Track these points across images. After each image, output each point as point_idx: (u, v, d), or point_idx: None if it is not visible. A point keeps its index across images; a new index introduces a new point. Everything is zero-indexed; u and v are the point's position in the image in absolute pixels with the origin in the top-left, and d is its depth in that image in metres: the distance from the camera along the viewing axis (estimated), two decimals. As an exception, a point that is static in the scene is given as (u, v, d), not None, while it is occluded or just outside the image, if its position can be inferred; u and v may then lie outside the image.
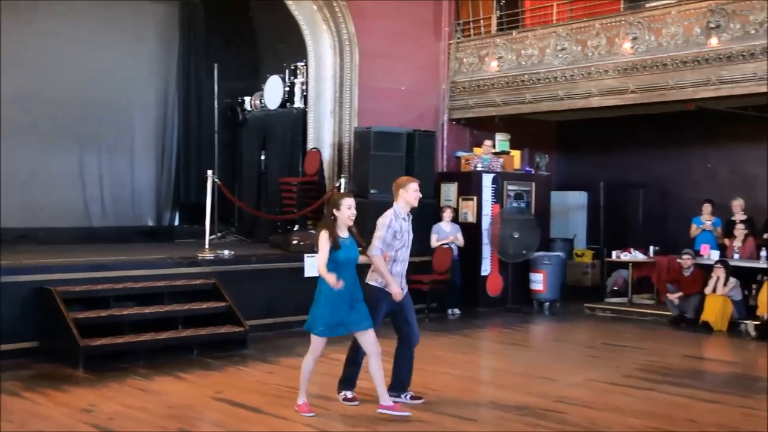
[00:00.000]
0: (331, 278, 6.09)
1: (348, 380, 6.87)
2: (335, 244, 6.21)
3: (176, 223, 14.47)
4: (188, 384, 7.73)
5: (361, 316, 6.29)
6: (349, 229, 6.42)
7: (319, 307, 6.24)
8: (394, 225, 6.68)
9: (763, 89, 10.96)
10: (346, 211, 6.36)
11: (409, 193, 6.75)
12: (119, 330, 8.68)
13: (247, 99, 14.60)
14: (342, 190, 6.59)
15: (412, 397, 6.85)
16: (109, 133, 13.58)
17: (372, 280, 6.70)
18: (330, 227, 6.30)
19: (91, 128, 13.24)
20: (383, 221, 6.70)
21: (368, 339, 6.27)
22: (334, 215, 6.34)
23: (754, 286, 11.70)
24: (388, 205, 12.13)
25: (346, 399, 6.81)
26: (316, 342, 6.30)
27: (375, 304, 6.56)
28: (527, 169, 14.50)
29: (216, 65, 14.24)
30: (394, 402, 6.43)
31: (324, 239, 6.25)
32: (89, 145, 13.29)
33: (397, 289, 6.56)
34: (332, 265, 6.20)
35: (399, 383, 6.85)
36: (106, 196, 13.46)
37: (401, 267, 6.76)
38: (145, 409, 6.72)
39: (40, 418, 6.38)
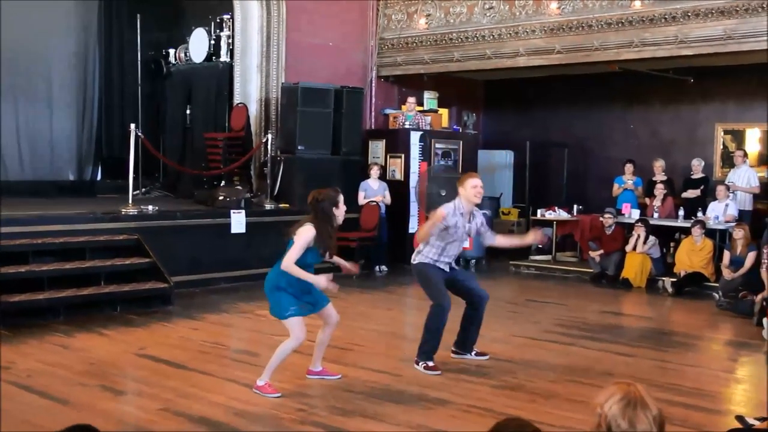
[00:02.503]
0: (321, 280, 5.70)
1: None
2: (327, 247, 5.73)
3: (98, 177, 14.13)
4: (110, 340, 7.62)
5: (320, 294, 5.95)
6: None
7: (282, 295, 5.75)
8: (450, 221, 6.62)
9: (684, 52, 11.20)
10: (342, 209, 5.81)
11: (467, 190, 6.67)
12: (39, 286, 8.48)
13: (171, 51, 14.25)
14: (331, 190, 5.91)
15: (477, 354, 7.11)
16: (27, 84, 13.11)
17: (415, 259, 6.84)
18: (325, 225, 5.70)
19: (7, 79, 12.75)
20: (440, 212, 6.60)
21: (331, 311, 6.05)
22: (333, 215, 5.75)
23: (672, 244, 12.09)
24: (316, 162, 12.25)
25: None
26: (293, 325, 5.78)
27: (426, 275, 6.77)
28: (455, 127, 14.57)
29: (138, 16, 13.86)
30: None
31: (306, 237, 5.66)
32: (5, 96, 12.78)
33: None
34: (302, 265, 5.69)
35: (466, 342, 7.11)
36: (23, 148, 13.03)
37: (449, 257, 6.83)
38: (65, 365, 6.60)
39: (-45, 376, 6.22)
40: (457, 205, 6.71)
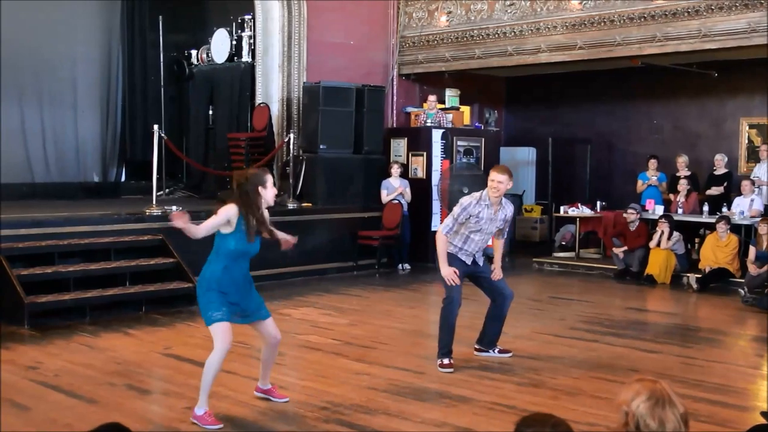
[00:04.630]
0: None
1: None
2: (249, 232, 5.19)
3: (122, 179, 14.27)
4: (136, 340, 7.69)
5: (259, 304, 5.47)
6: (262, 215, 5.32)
7: (206, 294, 5.25)
8: (473, 209, 6.62)
9: (707, 46, 11.11)
10: (272, 189, 5.29)
11: (488, 183, 6.65)
12: (65, 287, 8.58)
13: (193, 52, 14.36)
14: (252, 168, 5.55)
15: (500, 351, 7.14)
16: (51, 87, 13.25)
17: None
18: (250, 208, 5.21)
19: (32, 81, 12.89)
20: (462, 200, 6.71)
21: (270, 328, 5.53)
22: (258, 194, 5.22)
23: (696, 239, 12.01)
24: (338, 161, 12.27)
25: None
26: (216, 331, 5.24)
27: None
28: (476, 124, 14.54)
29: (161, 17, 13.96)
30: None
31: (226, 212, 5.14)
32: (30, 98, 12.94)
33: (445, 272, 6.59)
34: (227, 253, 5.21)
35: (489, 340, 7.13)
36: (49, 151, 13.18)
37: (472, 247, 6.77)
38: (91, 365, 6.67)
39: (-16, 376, 6.30)
40: (483, 196, 6.69)
